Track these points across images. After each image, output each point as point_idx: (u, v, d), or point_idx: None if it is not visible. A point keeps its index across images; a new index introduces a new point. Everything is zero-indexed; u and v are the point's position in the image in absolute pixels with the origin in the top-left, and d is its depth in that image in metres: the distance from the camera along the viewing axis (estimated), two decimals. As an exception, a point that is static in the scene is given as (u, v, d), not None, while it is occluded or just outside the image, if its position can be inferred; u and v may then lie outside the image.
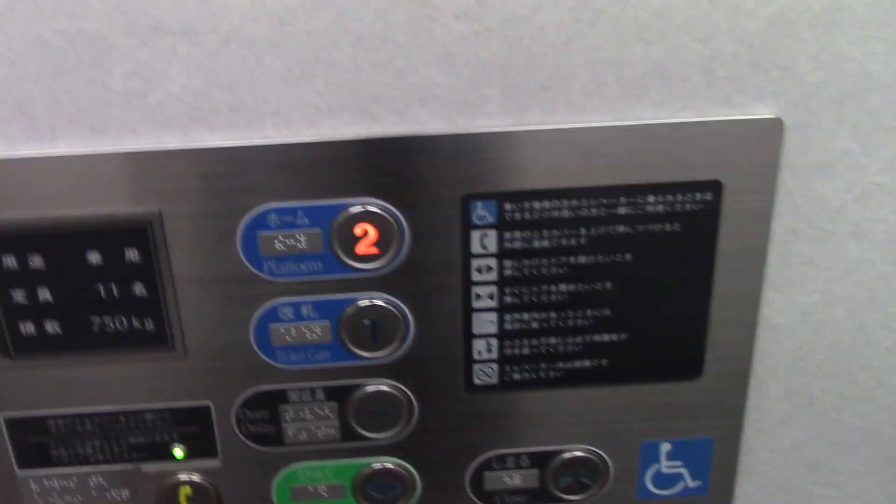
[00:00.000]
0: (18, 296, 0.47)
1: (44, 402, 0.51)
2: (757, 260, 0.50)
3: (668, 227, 0.48)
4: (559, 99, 0.45)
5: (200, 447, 0.53)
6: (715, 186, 0.47)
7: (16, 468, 0.53)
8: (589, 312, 0.50)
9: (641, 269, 0.49)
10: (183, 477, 0.54)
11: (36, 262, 0.47)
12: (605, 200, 0.47)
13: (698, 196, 0.47)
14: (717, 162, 0.47)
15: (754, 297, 0.51)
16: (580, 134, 0.46)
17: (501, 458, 0.55)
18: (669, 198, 0.47)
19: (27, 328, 0.48)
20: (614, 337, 0.51)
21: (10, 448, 0.52)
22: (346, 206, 0.46)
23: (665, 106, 0.46)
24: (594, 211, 0.47)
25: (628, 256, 0.49)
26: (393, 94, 0.44)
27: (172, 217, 0.46)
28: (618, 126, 0.46)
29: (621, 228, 0.48)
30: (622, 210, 0.48)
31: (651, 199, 0.47)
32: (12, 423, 0.52)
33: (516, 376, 0.52)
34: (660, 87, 0.45)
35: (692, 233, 0.48)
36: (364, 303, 0.49)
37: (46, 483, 0.54)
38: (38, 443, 0.52)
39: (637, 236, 0.48)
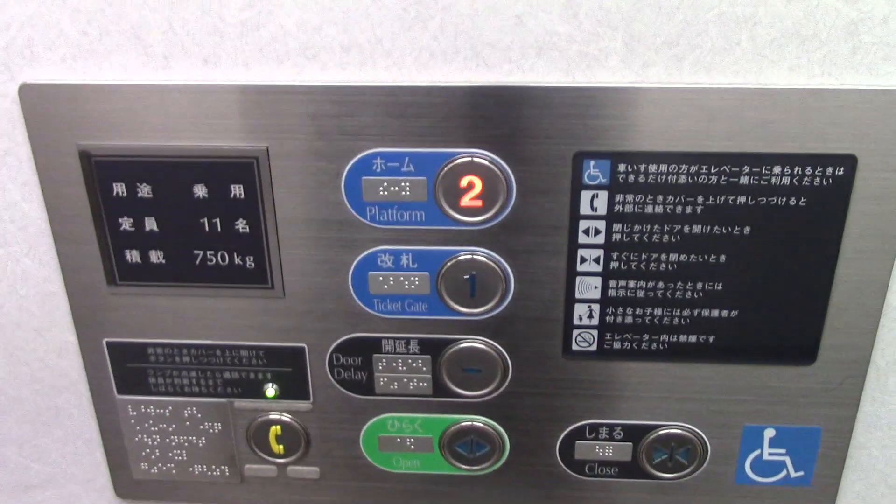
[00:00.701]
0: (126, 223, 0.48)
1: (144, 330, 0.52)
2: (888, 243, 0.46)
3: (793, 201, 0.45)
4: (686, 56, 0.42)
5: (293, 388, 0.53)
6: (849, 161, 0.44)
7: (115, 392, 0.54)
8: (699, 286, 0.48)
9: (760, 243, 0.46)
10: (274, 416, 0.54)
11: (144, 190, 0.47)
12: (726, 168, 0.44)
13: (829, 170, 0.44)
14: (854, 135, 0.43)
15: (881, 282, 0.47)
16: (705, 95, 0.43)
17: (594, 428, 0.53)
18: (798, 170, 0.44)
19: (132, 256, 0.49)
20: (724, 313, 0.49)
21: (111, 372, 0.53)
22: (453, 156, 0.45)
23: (801, 70, 0.43)
24: (714, 179, 0.45)
25: (747, 229, 0.46)
26: (509, 41, 0.43)
27: (279, 155, 0.46)
28: (747, 89, 0.43)
29: (742, 199, 0.45)
30: (744, 180, 0.45)
31: (777, 170, 0.44)
32: (114, 349, 0.53)
33: (616, 345, 0.50)
34: (797, 49, 0.42)
35: (819, 209, 0.45)
36: (465, 257, 0.48)
37: (143, 409, 0.55)
38: (137, 369, 0.53)
39: (758, 209, 0.45)
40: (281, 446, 0.55)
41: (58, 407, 0.56)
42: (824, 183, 0.45)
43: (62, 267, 0.50)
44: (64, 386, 0.55)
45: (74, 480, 0.59)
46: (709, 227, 0.46)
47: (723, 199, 0.45)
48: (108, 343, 0.53)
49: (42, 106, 0.45)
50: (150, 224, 0.48)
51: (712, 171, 0.45)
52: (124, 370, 0.53)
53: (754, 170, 0.44)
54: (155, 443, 0.56)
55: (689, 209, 0.46)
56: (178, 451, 0.56)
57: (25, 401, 0.56)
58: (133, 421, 0.55)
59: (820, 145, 0.44)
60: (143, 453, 0.56)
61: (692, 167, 0.45)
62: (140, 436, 0.56)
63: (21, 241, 0.50)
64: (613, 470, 0.55)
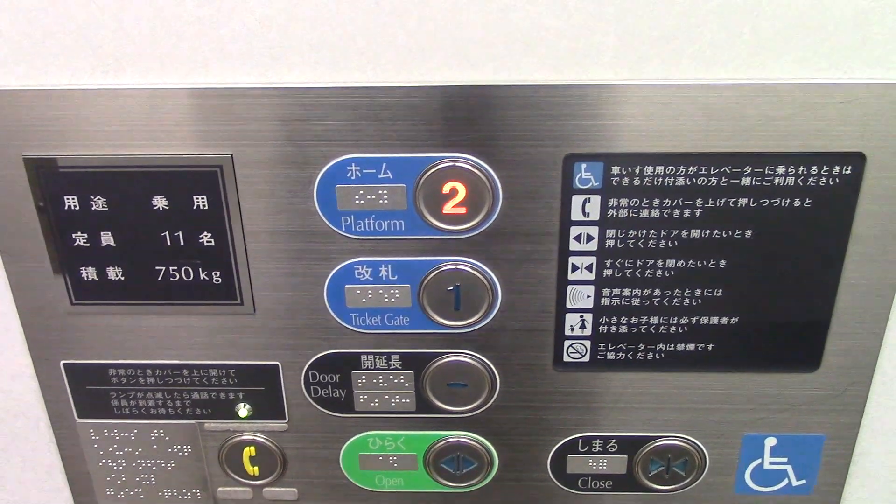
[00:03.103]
0: (80, 239, 0.44)
1: (105, 351, 0.48)
2: (897, 245, 0.43)
3: (798, 202, 0.42)
4: (683, 51, 0.39)
5: (267, 408, 0.50)
6: (857, 159, 0.41)
7: (76, 416, 0.51)
8: (698, 292, 0.45)
9: (762, 247, 0.43)
10: (247, 437, 0.51)
11: (98, 203, 0.43)
12: (727, 169, 0.42)
13: (836, 169, 0.41)
14: (862, 131, 0.40)
15: (889, 286, 0.45)
16: (705, 92, 0.40)
17: (587, 441, 0.51)
18: (803, 169, 0.41)
19: (88, 273, 0.45)
20: (724, 320, 0.46)
21: (70, 395, 0.50)
22: (434, 161, 0.42)
23: (807, 64, 0.40)
24: (714, 180, 0.42)
25: (748, 233, 0.43)
26: (493, 36, 0.39)
27: (244, 163, 0.42)
28: (749, 84, 0.40)
29: (743, 201, 0.42)
30: (746, 181, 0.42)
31: (781, 170, 0.41)
32: (72, 371, 0.49)
33: (611, 356, 0.47)
34: (803, 41, 0.39)
35: (825, 210, 0.42)
36: (448, 267, 0.45)
37: (106, 433, 0.51)
38: (98, 391, 0.50)
39: (761, 211, 0.42)
40: (256, 468, 0.52)
41: (14, 432, 0.52)
42: (831, 183, 0.42)
43: (11, 286, 0.46)
44: (20, 410, 0.51)
45: (35, 507, 0.55)
46: (708, 231, 0.43)
47: (723, 201, 0.42)
48: (65, 365, 0.49)
49: (-18, 114, 0.42)
50: (107, 239, 0.44)
51: (712, 172, 0.42)
52: (84, 393, 0.50)
53: (757, 170, 0.42)
54: (121, 467, 0.52)
55: (687, 213, 0.43)
56: (146, 476, 0.53)
57: (-23, 426, 0.52)
58: (96, 445, 0.52)
59: (826, 143, 0.41)
60: (109, 478, 0.53)
61: (691, 168, 0.42)
62: (104, 460, 0.52)
63: (-34, 260, 0.46)
64: (608, 483, 0.52)
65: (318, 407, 0.50)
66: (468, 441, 0.51)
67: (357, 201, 0.43)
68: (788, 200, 0.42)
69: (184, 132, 0.42)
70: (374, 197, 0.43)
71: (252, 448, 0.51)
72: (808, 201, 0.42)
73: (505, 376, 0.48)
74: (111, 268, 0.45)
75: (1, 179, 0.43)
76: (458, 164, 0.42)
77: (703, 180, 0.42)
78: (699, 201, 0.42)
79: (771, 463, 0.51)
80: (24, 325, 0.48)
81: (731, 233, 0.43)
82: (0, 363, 0.49)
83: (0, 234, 0.45)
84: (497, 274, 0.45)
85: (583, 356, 0.47)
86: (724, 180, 0.42)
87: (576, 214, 0.43)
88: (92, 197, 0.43)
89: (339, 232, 0.44)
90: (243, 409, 0.50)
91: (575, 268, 0.45)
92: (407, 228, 0.43)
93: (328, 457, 0.52)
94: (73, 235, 0.44)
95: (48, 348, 0.48)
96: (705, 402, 0.49)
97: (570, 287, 0.45)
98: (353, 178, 0.42)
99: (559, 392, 0.49)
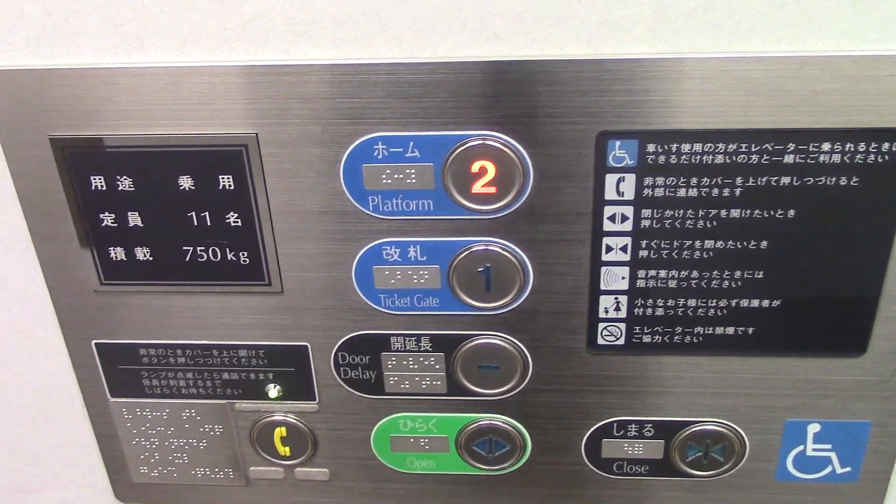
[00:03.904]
0: (107, 219, 0.44)
1: (135, 331, 0.48)
2: (950, 225, 0.41)
3: (843, 180, 0.40)
4: (723, 22, 0.37)
5: (297, 389, 0.49)
6: (907, 136, 0.39)
7: (109, 396, 0.51)
8: (738, 274, 0.43)
9: (805, 228, 0.42)
10: (278, 417, 0.51)
11: (124, 183, 0.43)
12: (768, 146, 0.40)
13: (885, 146, 0.39)
14: (913, 106, 0.38)
15: (941, 268, 0.43)
16: (745, 65, 0.38)
17: (623, 425, 0.49)
18: (849, 146, 0.39)
19: (117, 253, 0.45)
20: (765, 303, 0.44)
21: (102, 375, 0.50)
22: (462, 139, 0.41)
23: (853, 35, 0.38)
24: (755, 158, 0.40)
25: (791, 213, 0.41)
26: (522, 9, 0.38)
27: (270, 142, 0.41)
28: (792, 57, 0.38)
29: (786, 180, 0.40)
30: (789, 158, 0.40)
31: (826, 147, 0.39)
32: (104, 350, 0.49)
33: (646, 339, 0.46)
34: (849, 11, 0.37)
35: (872, 189, 0.40)
36: (478, 248, 0.44)
37: (139, 412, 0.51)
38: (129, 371, 0.50)
39: (804, 190, 0.41)
40: (287, 448, 0.52)
41: (49, 410, 0.52)
42: (879, 160, 0.40)
43: (42, 265, 0.46)
44: (54, 389, 0.51)
45: (72, 484, 0.56)
46: (748, 212, 0.42)
47: (765, 180, 0.41)
48: (97, 345, 0.49)
49: (9, 93, 0.41)
50: (134, 219, 0.44)
51: (753, 149, 0.40)
52: (116, 372, 0.50)
53: (800, 147, 0.40)
54: (153, 446, 0.53)
55: (726, 192, 0.41)
56: (179, 455, 0.53)
57: (15, 404, 0.52)
58: (129, 424, 0.52)
59: (874, 119, 0.39)
60: (142, 456, 0.53)
61: (730, 146, 0.40)
62: (137, 439, 0.52)
63: (-3, 240, 0.46)
64: (644, 468, 0.51)
65: (349, 388, 0.49)
66: (500, 424, 0.50)
67: (384, 180, 0.42)
68: (834, 179, 0.40)
69: (208, 111, 0.41)
70: (401, 176, 0.42)
71: (283, 428, 0.51)
72: (854, 180, 0.40)
73: (537, 359, 0.47)
74: (139, 248, 0.45)
75: (29, 160, 0.43)
76: (487, 142, 0.40)
77: (744, 158, 0.40)
78: (739, 180, 0.41)
79: (814, 450, 0.49)
80: (56, 305, 0.48)
81: (772, 213, 0.41)
82: (33, 342, 0.50)
83: (29, 215, 0.45)
84: (528, 255, 0.44)
85: (617, 339, 0.46)
86: (765, 158, 0.40)
87: (610, 194, 0.42)
88: (118, 177, 0.43)
89: (367, 212, 0.43)
90: (273, 390, 0.50)
91: (609, 249, 0.43)
92: (435, 208, 0.42)
93: (359, 438, 0.51)
94: (101, 215, 0.44)
95: (79, 328, 0.48)
96: (745, 388, 0.47)
97: (604, 268, 0.44)
98: (380, 156, 0.41)
99: (593, 375, 0.47)
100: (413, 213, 0.43)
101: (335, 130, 0.41)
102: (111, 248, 0.45)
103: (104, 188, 0.43)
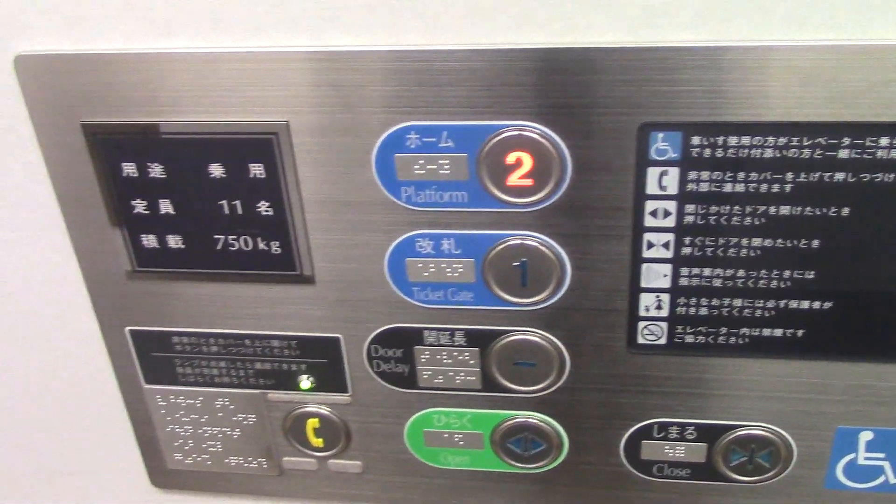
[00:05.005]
0: (139, 206, 0.44)
1: (168, 318, 0.48)
2: None
3: (901, 177, 0.38)
4: (775, 7, 0.35)
5: (329, 380, 0.49)
6: (972, 130, 0.37)
7: (143, 382, 0.51)
8: (787, 274, 0.41)
9: (861, 226, 0.39)
10: (311, 408, 0.50)
11: (155, 170, 0.42)
12: (822, 140, 0.37)
13: (949, 141, 0.37)
14: (980, 99, 0.36)
15: None
16: (798, 54, 0.36)
17: (664, 427, 0.48)
18: (909, 141, 0.37)
19: (149, 240, 0.45)
20: (816, 304, 0.42)
21: (136, 361, 0.50)
22: (498, 129, 0.39)
23: (917, 22, 0.35)
24: (807, 152, 0.38)
25: (845, 211, 0.39)
26: (562, -6, 0.36)
27: (300, 130, 0.40)
28: (849, 46, 0.36)
29: (840, 176, 0.38)
30: (844, 153, 0.38)
31: (884, 141, 0.37)
32: (138, 337, 0.49)
33: (689, 339, 0.44)
34: (913, -4, 0.35)
35: (934, 187, 0.38)
36: (514, 242, 0.42)
37: (173, 399, 0.51)
38: (163, 359, 0.49)
39: (860, 187, 0.38)
40: (320, 439, 0.51)
41: (85, 395, 0.53)
42: (941, 156, 0.37)
43: (77, 252, 0.46)
44: (89, 374, 0.51)
45: (108, 469, 0.56)
46: (799, 209, 0.39)
47: (817, 175, 0.38)
48: (130, 331, 0.49)
49: (40, 79, 0.41)
50: (166, 206, 0.44)
51: (805, 143, 0.38)
52: (150, 359, 0.50)
53: (856, 142, 0.37)
54: (188, 433, 0.52)
55: (775, 188, 0.39)
56: (213, 443, 0.52)
57: (51, 389, 0.53)
58: (163, 411, 0.52)
59: (938, 112, 0.36)
60: (176, 444, 0.53)
61: (781, 139, 0.38)
62: (171, 426, 0.52)
63: (31, 225, 0.46)
64: (685, 471, 0.49)
65: (381, 381, 0.48)
66: (536, 422, 0.48)
67: (417, 171, 0.41)
68: (892, 175, 0.38)
69: (238, 98, 0.40)
70: (434, 167, 0.40)
71: (316, 420, 0.50)
72: (914, 177, 0.38)
73: (575, 357, 0.46)
74: (171, 235, 0.44)
75: (61, 146, 0.43)
76: (523, 132, 0.39)
77: (795, 152, 0.38)
78: (789, 175, 0.39)
79: (866, 458, 0.47)
80: (90, 292, 0.48)
81: (825, 210, 0.39)
82: (69, 328, 0.50)
83: (63, 201, 0.45)
84: (566, 250, 0.42)
85: (659, 338, 0.44)
86: (818, 152, 0.38)
87: (651, 188, 0.40)
88: (149, 164, 0.42)
89: (399, 202, 0.42)
90: (306, 381, 0.49)
91: (650, 245, 0.41)
92: (470, 200, 0.41)
93: (392, 432, 0.50)
94: (133, 202, 0.44)
95: (114, 315, 0.48)
96: (794, 392, 0.45)
97: (644, 265, 0.42)
98: (413, 146, 0.40)
99: (633, 375, 0.46)
100: (446, 205, 0.41)
101: (367, 119, 0.40)
102: (143, 236, 0.45)
103: (136, 175, 0.43)
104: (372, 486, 0.53)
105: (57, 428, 0.55)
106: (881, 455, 0.47)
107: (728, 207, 0.40)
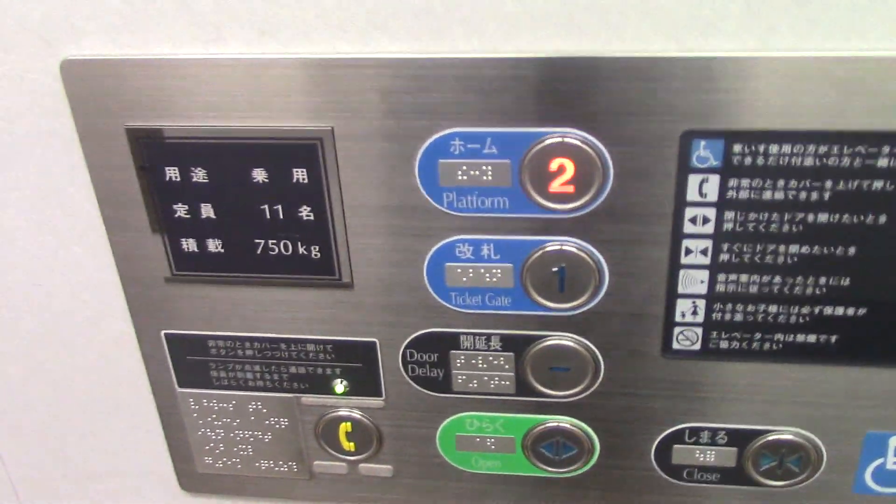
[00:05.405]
0: (181, 210, 0.44)
1: (204, 322, 0.48)
2: None
3: (940, 186, 0.39)
4: (821, 18, 0.36)
5: (363, 384, 0.49)
6: None
7: (176, 386, 0.51)
8: (822, 281, 0.42)
9: (896, 234, 0.40)
10: (344, 412, 0.50)
11: (198, 174, 0.43)
12: (861, 149, 0.38)
13: None
14: None
15: None
16: (840, 65, 0.36)
17: (695, 431, 0.48)
18: (948, 151, 0.38)
19: (189, 245, 0.45)
20: (850, 311, 0.42)
21: (171, 365, 0.50)
22: (541, 136, 0.40)
23: (959, 33, 0.36)
24: (846, 161, 0.38)
25: (882, 219, 0.40)
26: (608, 3, 0.37)
27: (345, 136, 0.41)
28: (891, 57, 0.36)
29: (878, 185, 0.39)
30: (883, 162, 0.38)
31: (923, 150, 0.38)
32: (173, 341, 0.49)
33: (723, 344, 0.45)
34: (955, 8, 0.35)
35: (971, 196, 0.39)
36: (553, 247, 0.43)
37: (206, 403, 0.51)
38: (198, 362, 0.50)
39: (897, 195, 0.39)
40: (352, 443, 0.51)
41: (117, 398, 0.53)
42: (979, 166, 0.38)
43: (115, 256, 0.46)
44: (122, 377, 0.52)
45: (138, 472, 0.56)
46: (837, 216, 0.40)
47: (856, 184, 0.39)
48: (166, 335, 0.49)
49: (86, 83, 0.41)
50: (207, 211, 0.44)
51: (845, 152, 0.38)
52: (184, 363, 0.50)
53: (895, 151, 0.38)
54: (219, 437, 0.53)
55: (814, 195, 0.40)
56: (244, 446, 0.53)
57: (84, 391, 0.53)
58: (195, 415, 0.52)
59: (978, 122, 0.37)
60: (207, 447, 0.53)
61: (821, 148, 0.38)
62: (203, 430, 0.52)
63: (71, 229, 0.46)
64: (715, 476, 0.49)
65: (416, 385, 0.48)
66: (568, 426, 0.49)
67: (460, 177, 0.41)
68: (930, 184, 0.39)
69: (284, 103, 0.40)
70: (477, 173, 0.41)
71: (348, 424, 0.51)
72: (951, 186, 0.38)
73: (609, 362, 0.46)
74: (211, 240, 0.45)
75: (104, 149, 0.43)
76: (566, 139, 0.39)
77: (835, 161, 0.39)
78: (828, 183, 0.39)
79: (895, 463, 0.47)
80: (127, 295, 0.48)
81: (862, 218, 0.40)
82: (104, 331, 0.50)
83: (104, 204, 0.45)
84: (605, 256, 0.43)
85: (693, 344, 0.45)
86: (857, 161, 0.38)
87: (692, 195, 0.40)
88: (192, 168, 0.43)
89: (441, 208, 0.42)
90: (340, 385, 0.49)
91: (689, 251, 0.42)
92: (511, 206, 0.42)
93: (425, 436, 0.51)
94: (174, 206, 0.44)
95: (150, 318, 0.49)
96: (825, 398, 0.46)
97: (682, 271, 0.43)
98: (457, 153, 0.40)
99: (666, 380, 0.46)
100: (488, 211, 0.42)
101: (412, 125, 0.40)
102: (183, 240, 0.45)
103: (178, 179, 0.43)
104: (402, 490, 0.53)
105: (88, 431, 0.55)
106: (910, 460, 0.47)
107: (767, 214, 0.40)
